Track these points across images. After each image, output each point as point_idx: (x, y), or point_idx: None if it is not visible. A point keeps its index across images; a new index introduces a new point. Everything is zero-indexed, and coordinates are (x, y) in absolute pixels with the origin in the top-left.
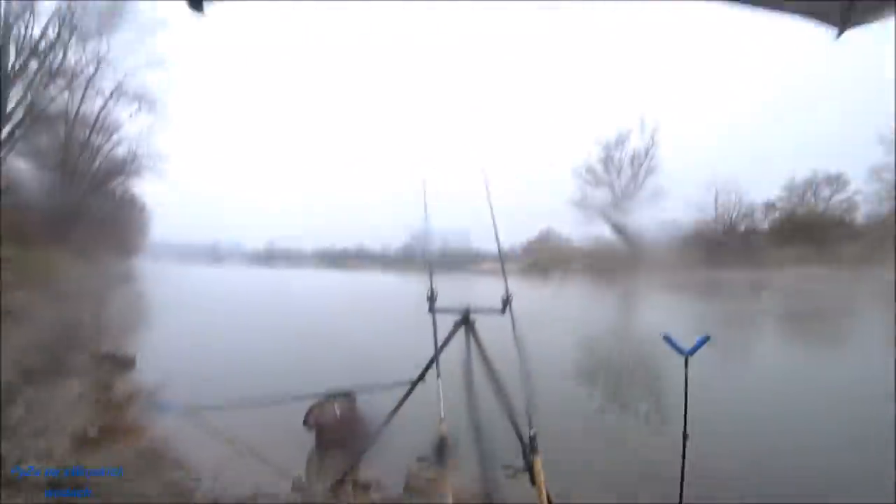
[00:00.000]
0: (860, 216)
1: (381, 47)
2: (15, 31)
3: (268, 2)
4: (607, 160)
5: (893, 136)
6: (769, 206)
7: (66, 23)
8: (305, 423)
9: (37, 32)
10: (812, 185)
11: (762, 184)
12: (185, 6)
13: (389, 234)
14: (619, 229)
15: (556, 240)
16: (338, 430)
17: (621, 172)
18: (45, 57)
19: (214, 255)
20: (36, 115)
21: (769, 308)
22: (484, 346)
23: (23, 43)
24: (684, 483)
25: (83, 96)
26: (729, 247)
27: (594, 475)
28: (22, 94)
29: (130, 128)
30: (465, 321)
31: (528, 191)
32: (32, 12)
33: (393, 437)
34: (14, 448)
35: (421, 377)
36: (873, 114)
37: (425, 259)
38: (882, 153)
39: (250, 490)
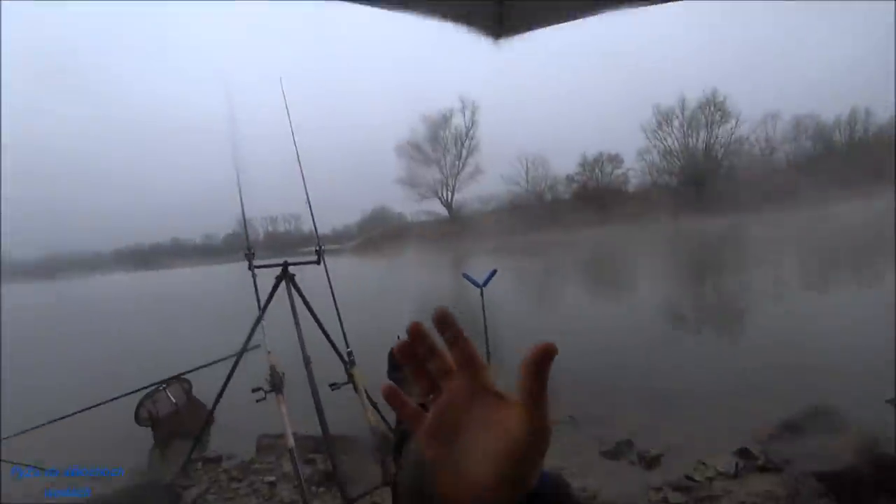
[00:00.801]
0: (631, 187)
1: None
2: None
3: None
4: (434, 139)
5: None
6: (569, 179)
7: None
8: (137, 419)
9: None
10: (599, 162)
11: (560, 159)
12: None
13: (211, 221)
14: (446, 205)
15: (388, 217)
16: (176, 418)
17: (447, 151)
18: None
19: None
20: None
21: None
22: (303, 293)
23: None
24: None
25: None
26: (538, 214)
27: None
28: None
29: None
30: (285, 274)
31: (355, 170)
32: None
33: (235, 408)
34: None
35: (247, 342)
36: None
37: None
38: (643, 139)
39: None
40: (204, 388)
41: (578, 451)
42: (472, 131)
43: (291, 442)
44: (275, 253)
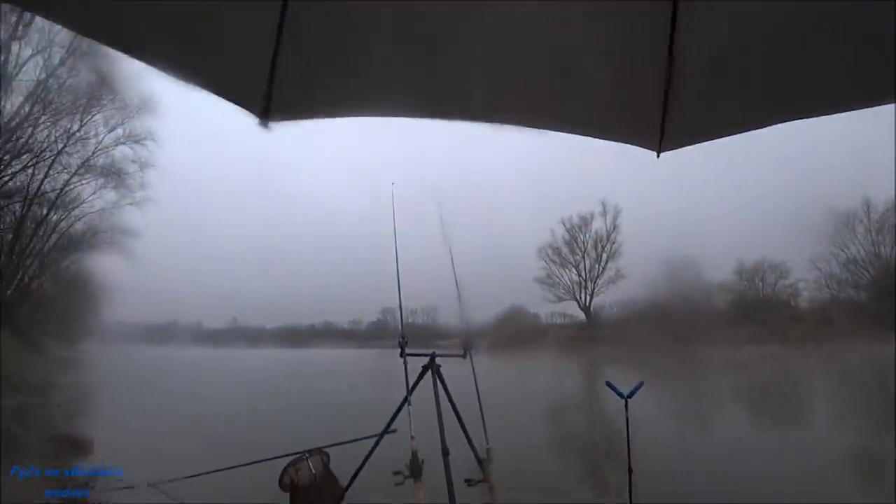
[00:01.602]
0: (802, 301)
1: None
2: None
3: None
4: (572, 242)
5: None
6: (723, 288)
7: (40, 99)
8: (281, 484)
9: (9, 108)
10: (760, 271)
11: (713, 267)
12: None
13: (358, 309)
14: (584, 308)
15: (524, 317)
16: (314, 489)
17: (585, 254)
18: (13, 134)
19: (174, 334)
20: None
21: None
22: (447, 385)
23: None
24: None
25: (47, 172)
26: (686, 324)
27: None
28: None
29: (95, 202)
30: (431, 364)
31: (493, 268)
32: (5, 90)
33: (366, 488)
34: None
35: (390, 424)
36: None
37: (397, 316)
38: (817, 246)
39: None
40: (338, 464)
41: None
42: (613, 235)
43: None
44: (414, 344)
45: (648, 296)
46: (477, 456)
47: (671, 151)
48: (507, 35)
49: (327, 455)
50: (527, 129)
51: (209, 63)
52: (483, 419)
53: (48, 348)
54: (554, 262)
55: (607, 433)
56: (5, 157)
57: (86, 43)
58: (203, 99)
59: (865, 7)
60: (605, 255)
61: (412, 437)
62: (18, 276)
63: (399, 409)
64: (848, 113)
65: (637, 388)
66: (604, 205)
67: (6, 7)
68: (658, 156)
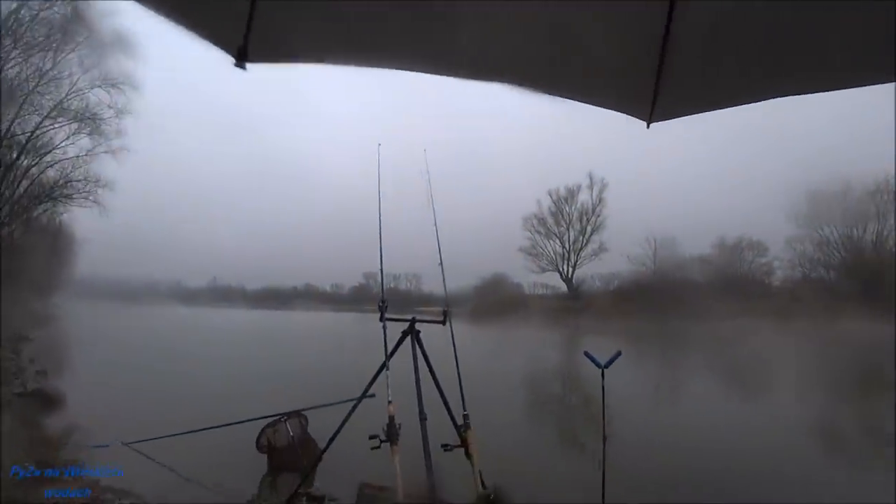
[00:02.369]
0: (776, 279)
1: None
2: None
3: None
4: (557, 213)
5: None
6: (703, 261)
7: (10, 32)
8: (258, 445)
9: None
10: (739, 248)
11: (694, 244)
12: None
13: (341, 272)
14: (566, 280)
15: (505, 286)
16: (291, 451)
17: (570, 226)
18: None
19: (152, 291)
20: None
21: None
22: (426, 351)
23: None
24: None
25: (17, 113)
26: (665, 297)
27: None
28: None
29: (68, 149)
30: (411, 330)
31: (478, 236)
32: None
33: (343, 451)
34: None
35: (368, 388)
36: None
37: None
38: (793, 228)
39: None
40: (316, 427)
41: None
42: (598, 208)
43: (401, 494)
44: (395, 309)
45: (630, 269)
46: (454, 421)
47: (660, 123)
48: None
49: (305, 418)
50: (515, 88)
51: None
52: (461, 385)
53: (20, 300)
54: (539, 232)
55: (583, 401)
56: None
57: None
58: (181, 45)
59: None
60: (589, 228)
61: (390, 402)
62: None
63: (377, 374)
64: (833, 97)
65: (614, 358)
66: (591, 177)
67: None
68: (648, 126)
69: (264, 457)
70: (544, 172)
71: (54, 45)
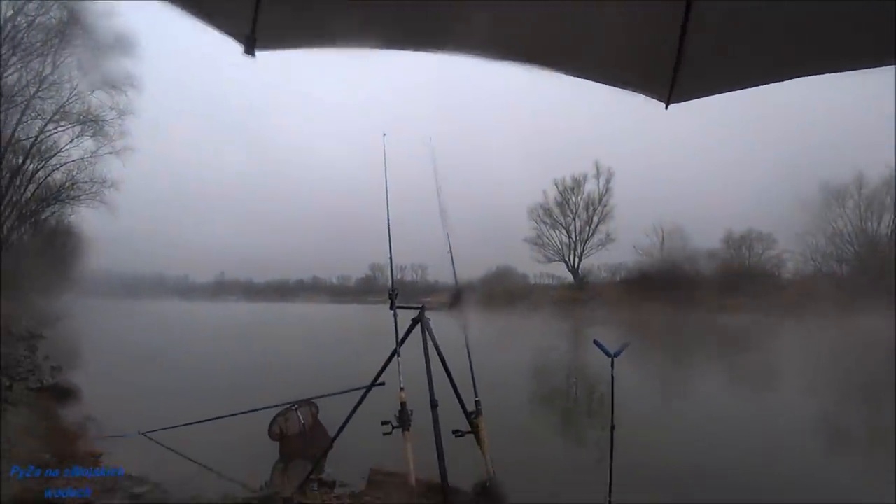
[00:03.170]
0: (786, 272)
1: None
2: None
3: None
4: (564, 203)
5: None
6: (711, 255)
7: (8, 40)
8: (270, 433)
9: None
10: (747, 240)
11: (702, 234)
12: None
13: (347, 265)
14: (572, 270)
15: (511, 276)
16: (302, 439)
17: (577, 216)
18: None
19: (160, 287)
20: None
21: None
22: (435, 337)
23: None
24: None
25: (20, 119)
26: (672, 289)
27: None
28: None
29: (72, 152)
30: (421, 317)
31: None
32: None
33: (353, 438)
34: None
35: (378, 376)
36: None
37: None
38: (806, 219)
39: (218, 496)
40: (326, 415)
41: None
42: (605, 198)
43: (413, 479)
44: (402, 299)
45: (637, 259)
46: (464, 408)
47: (676, 106)
48: None
49: (316, 406)
50: (531, 68)
51: None
52: (472, 372)
53: (31, 301)
54: (545, 222)
55: (589, 390)
56: None
57: None
58: (179, 43)
59: None
60: (596, 218)
61: (401, 389)
62: None
63: (388, 362)
64: (849, 81)
65: (623, 348)
66: (597, 167)
67: None
68: (667, 107)
69: (276, 444)
70: (550, 162)
71: (52, 49)
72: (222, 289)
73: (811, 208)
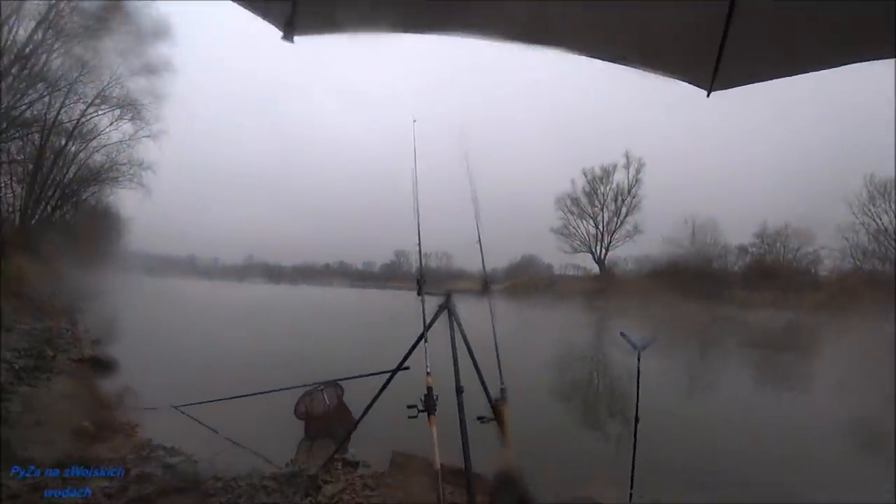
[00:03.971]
0: (823, 269)
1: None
2: None
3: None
4: (592, 194)
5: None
6: (742, 250)
7: (52, 25)
8: (296, 412)
9: (21, 34)
10: (783, 235)
11: (736, 228)
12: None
13: (372, 250)
14: (598, 261)
15: (537, 266)
16: (326, 419)
17: (605, 207)
18: (27, 60)
19: (191, 268)
20: (11, 120)
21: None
22: (462, 324)
23: (5, 45)
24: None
25: (63, 102)
26: (702, 283)
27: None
28: None
29: (111, 135)
30: (448, 303)
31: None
32: (17, 13)
33: (376, 421)
34: (16, 438)
35: (404, 360)
36: (840, 175)
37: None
38: (847, 214)
39: (247, 470)
40: (351, 397)
41: None
42: (634, 189)
43: (438, 463)
44: (427, 286)
45: (664, 252)
46: (489, 395)
47: (717, 94)
48: None
49: (341, 388)
50: (573, 54)
51: None
52: (499, 359)
53: (73, 276)
54: (572, 212)
55: (613, 383)
56: (21, 85)
57: None
58: (214, 28)
59: None
60: (624, 209)
61: (428, 373)
62: (41, 207)
63: (414, 346)
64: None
65: (650, 342)
66: (627, 157)
67: None
68: (708, 94)
69: (302, 423)
70: (580, 151)
71: (94, 34)
72: (250, 271)
73: (854, 203)
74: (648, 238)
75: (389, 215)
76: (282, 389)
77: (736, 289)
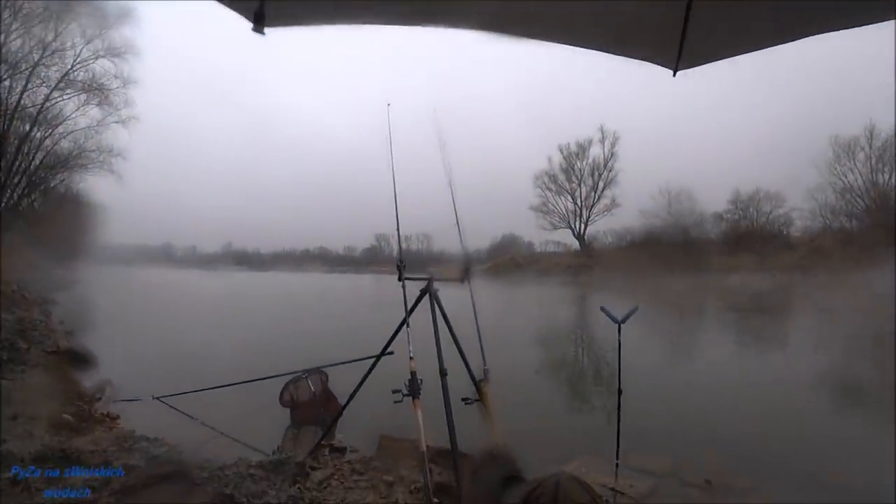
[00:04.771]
0: (795, 230)
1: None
2: None
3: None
4: (569, 170)
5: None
6: (717, 217)
7: (9, 4)
8: (281, 400)
9: None
10: (755, 200)
11: (710, 196)
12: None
13: (352, 235)
14: (578, 237)
15: (518, 245)
16: (312, 406)
17: (582, 182)
18: None
19: (168, 257)
20: None
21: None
22: (444, 308)
23: None
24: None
25: (25, 86)
26: (679, 253)
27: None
28: None
29: (78, 120)
30: (429, 288)
31: (488, 195)
32: None
33: (363, 406)
34: None
35: (387, 346)
36: (808, 134)
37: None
38: (815, 175)
39: (233, 459)
40: (336, 384)
41: None
42: (611, 162)
43: (424, 445)
44: (408, 269)
45: (642, 224)
46: (472, 376)
47: (683, 70)
48: None
49: (326, 374)
50: (537, 42)
51: None
52: (480, 341)
53: (44, 267)
54: (550, 189)
55: (596, 355)
56: None
57: None
58: (179, 13)
59: None
60: (601, 183)
61: (411, 358)
62: (7, 194)
63: (397, 332)
64: (857, 40)
65: (630, 314)
66: (602, 131)
67: None
68: (674, 74)
69: (287, 411)
70: (555, 128)
71: (54, 15)
72: (229, 259)
73: (821, 164)
74: (626, 211)
75: (368, 200)
76: (266, 378)
77: (714, 255)
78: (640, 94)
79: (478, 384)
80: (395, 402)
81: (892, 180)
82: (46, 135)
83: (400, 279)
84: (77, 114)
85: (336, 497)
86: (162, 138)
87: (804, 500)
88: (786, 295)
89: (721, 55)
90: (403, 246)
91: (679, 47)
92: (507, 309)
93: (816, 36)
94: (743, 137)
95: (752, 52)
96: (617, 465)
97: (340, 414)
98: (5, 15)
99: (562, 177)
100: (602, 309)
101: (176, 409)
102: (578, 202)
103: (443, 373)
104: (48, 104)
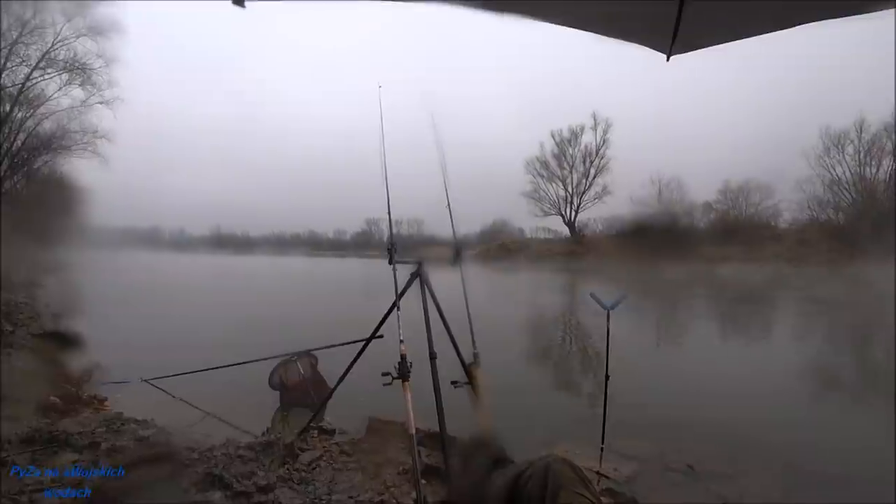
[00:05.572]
0: (783, 222)
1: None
2: None
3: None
4: (561, 156)
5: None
6: (707, 207)
7: None
8: (271, 383)
9: None
10: (744, 191)
11: (700, 185)
12: None
13: (343, 219)
14: (568, 223)
15: (508, 231)
16: (302, 388)
17: (573, 169)
18: None
19: (155, 239)
20: None
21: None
22: (434, 291)
23: None
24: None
25: (4, 65)
26: (668, 241)
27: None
28: None
29: (61, 101)
30: (419, 272)
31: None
32: None
33: (352, 389)
34: None
35: (377, 329)
36: (798, 125)
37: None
38: (805, 167)
39: (222, 441)
40: (325, 366)
41: None
42: (602, 149)
43: (413, 427)
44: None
45: (633, 212)
46: (462, 360)
47: (676, 57)
48: None
49: (315, 357)
50: (531, 20)
51: None
52: (471, 325)
53: (28, 249)
54: (541, 176)
55: (585, 341)
56: None
57: None
58: None
59: None
60: (592, 170)
61: (401, 341)
62: None
63: (387, 315)
64: (850, 30)
65: (619, 300)
66: (594, 118)
67: None
68: (668, 59)
69: (277, 393)
70: (548, 114)
71: None
72: (218, 242)
73: (811, 156)
74: (617, 199)
75: (359, 183)
76: (255, 361)
77: (702, 245)
78: (634, 82)
79: (467, 368)
80: (385, 384)
81: (880, 174)
82: (28, 115)
83: (391, 262)
84: (59, 94)
85: (325, 478)
86: (148, 119)
87: (783, 486)
88: (771, 285)
89: (716, 40)
90: (394, 231)
91: (674, 31)
92: (496, 293)
93: (811, 24)
94: (734, 127)
95: (747, 40)
96: (602, 449)
97: (330, 396)
98: None
99: (553, 163)
100: (591, 295)
101: (164, 391)
102: (569, 189)
103: (432, 356)
104: (29, 84)
